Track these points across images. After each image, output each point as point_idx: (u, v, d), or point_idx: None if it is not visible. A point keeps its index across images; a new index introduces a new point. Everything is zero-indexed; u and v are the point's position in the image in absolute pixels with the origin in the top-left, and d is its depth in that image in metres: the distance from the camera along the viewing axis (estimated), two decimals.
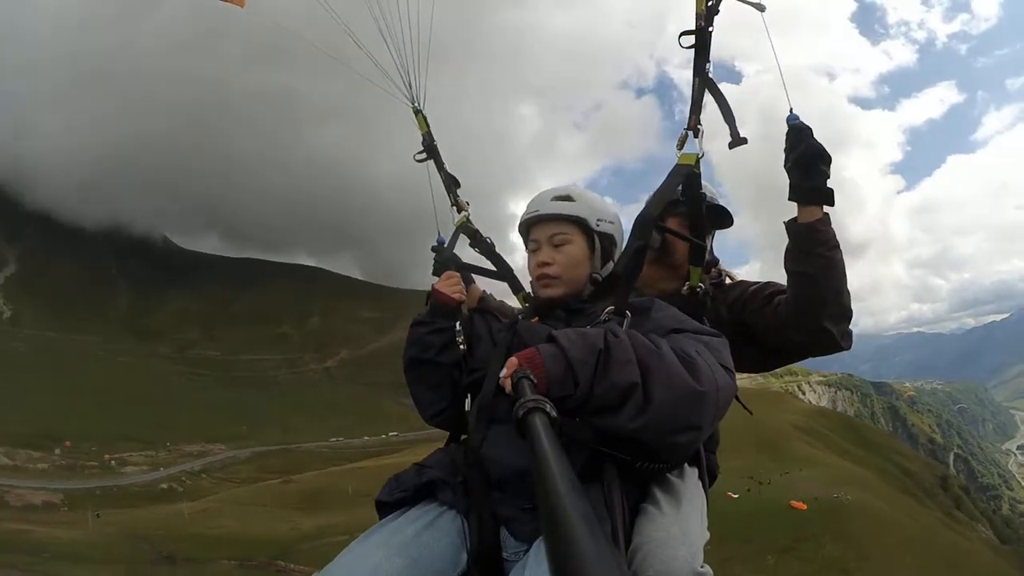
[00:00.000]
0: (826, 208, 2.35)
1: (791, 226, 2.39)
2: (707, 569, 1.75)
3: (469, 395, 2.25)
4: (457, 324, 2.38)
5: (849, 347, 2.48)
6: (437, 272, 2.89)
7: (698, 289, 2.54)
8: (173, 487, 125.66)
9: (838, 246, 2.34)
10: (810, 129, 2.28)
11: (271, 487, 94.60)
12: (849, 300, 2.40)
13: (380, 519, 1.98)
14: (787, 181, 2.35)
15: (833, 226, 2.37)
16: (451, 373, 2.34)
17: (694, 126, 2.39)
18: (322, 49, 3.19)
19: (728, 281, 2.83)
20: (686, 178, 2.37)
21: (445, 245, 3.02)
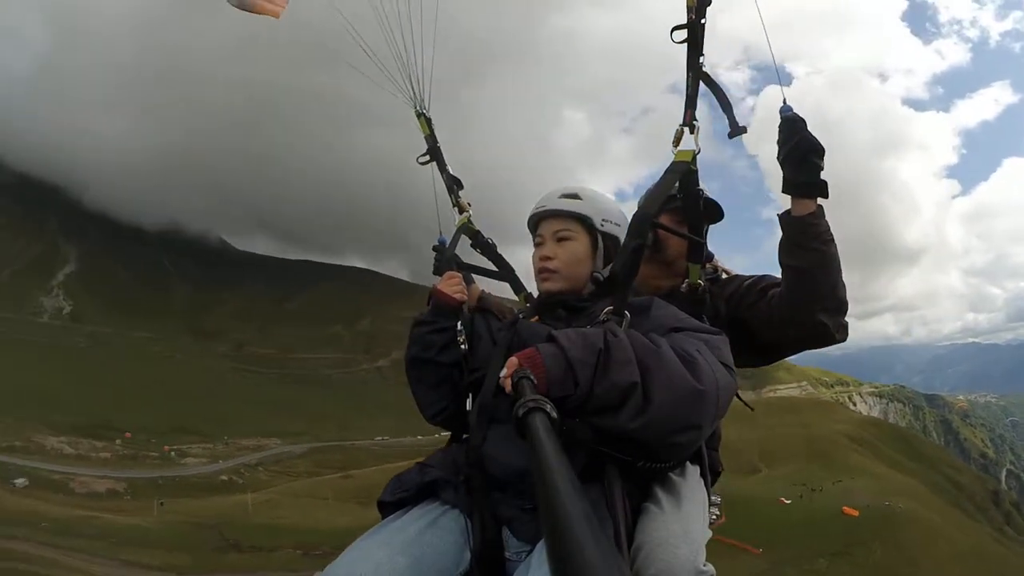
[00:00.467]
0: (820, 201, 2.31)
1: (784, 219, 2.38)
2: (709, 567, 1.75)
3: (470, 395, 2.24)
4: (458, 324, 2.37)
5: (844, 339, 2.48)
6: (438, 272, 2.88)
7: (697, 286, 2.52)
8: (233, 479, 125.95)
9: (832, 240, 2.31)
10: (803, 121, 2.24)
11: (331, 481, 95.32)
12: (844, 293, 2.40)
13: (383, 519, 1.98)
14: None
15: (827, 219, 2.33)
16: (451, 373, 2.33)
17: (689, 121, 2.34)
18: (333, 50, 3.24)
19: (723, 276, 2.81)
20: (683, 175, 2.33)
21: (446, 246, 3.01)
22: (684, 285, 2.56)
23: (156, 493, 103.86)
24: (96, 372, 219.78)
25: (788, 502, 62.87)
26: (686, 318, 2.06)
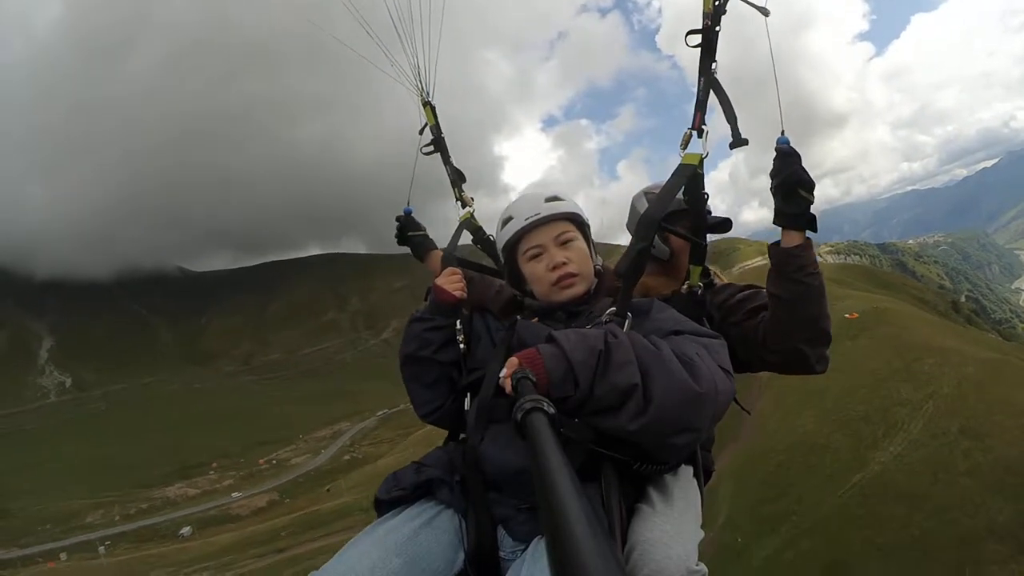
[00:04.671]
0: (809, 234, 2.35)
1: (771, 249, 2.39)
2: (701, 567, 1.76)
3: (468, 394, 2.25)
4: (457, 323, 2.36)
5: (823, 371, 2.48)
6: (401, 240, 3.19)
7: (696, 289, 2.57)
8: (354, 456, 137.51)
9: (817, 272, 2.32)
10: (797, 156, 2.26)
11: (427, 434, 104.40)
12: (828, 324, 2.40)
13: (378, 516, 1.98)
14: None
15: (814, 252, 2.37)
16: (448, 372, 2.34)
17: (698, 126, 2.38)
18: (339, 40, 3.16)
19: (717, 281, 2.82)
20: (689, 179, 2.36)
21: (411, 215, 3.18)
22: (684, 287, 2.60)
23: (307, 489, 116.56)
24: (134, 426, 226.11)
25: None
26: (686, 321, 2.06)
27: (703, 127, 2.36)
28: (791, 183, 2.23)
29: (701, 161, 2.35)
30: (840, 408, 45.04)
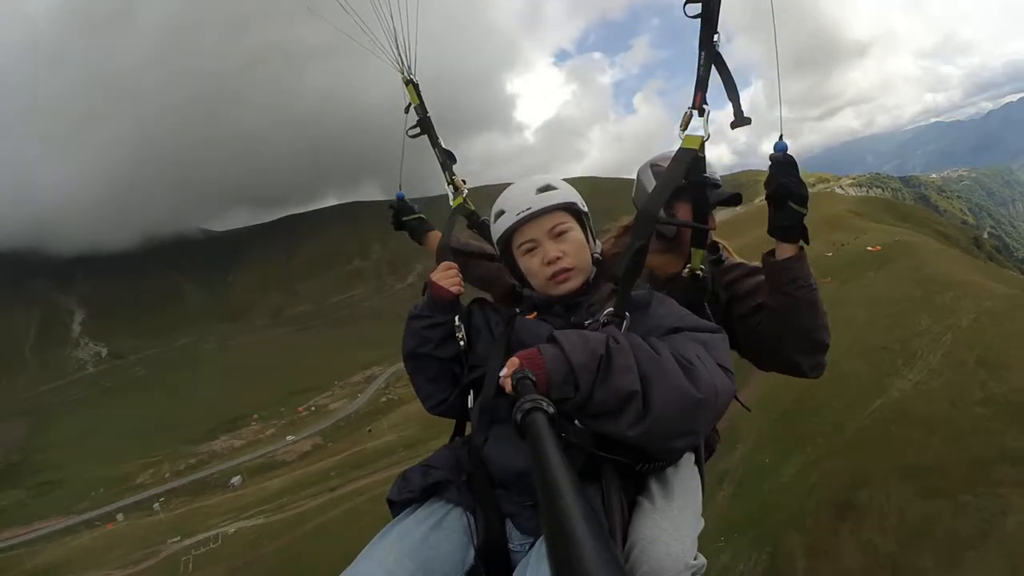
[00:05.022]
0: (803, 245, 2.30)
1: (765, 259, 2.40)
2: (700, 560, 1.79)
3: (471, 393, 2.25)
4: (456, 319, 2.31)
5: (818, 377, 2.53)
6: (397, 226, 3.19)
7: (699, 272, 2.46)
8: (391, 399, 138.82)
9: (808, 285, 2.30)
10: (792, 164, 2.21)
11: None
12: (822, 334, 2.40)
13: (393, 515, 2.03)
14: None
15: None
16: (450, 367, 2.31)
17: (699, 105, 2.23)
18: (314, 11, 3.04)
19: (726, 257, 2.80)
20: (691, 164, 2.26)
21: (404, 201, 3.17)
22: (686, 270, 2.48)
23: (349, 432, 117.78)
24: (173, 387, 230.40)
25: (829, 254, 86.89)
26: (686, 315, 2.04)
27: (704, 106, 2.22)
28: (781, 195, 2.20)
29: (703, 144, 2.23)
30: (863, 338, 46.67)
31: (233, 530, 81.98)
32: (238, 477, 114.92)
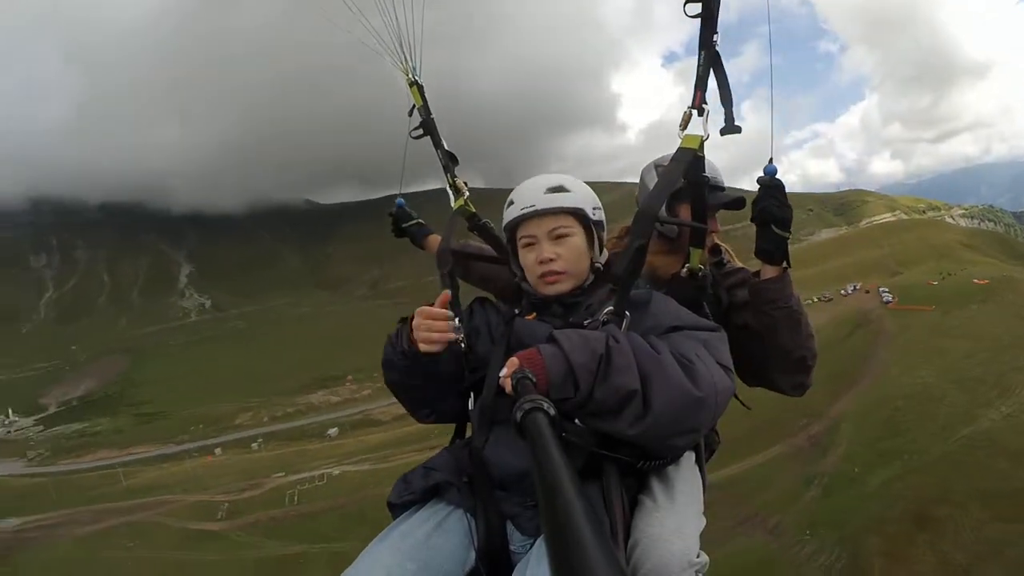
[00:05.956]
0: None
1: (749, 280, 2.42)
2: (702, 558, 1.78)
3: (472, 394, 2.20)
4: (456, 320, 2.17)
5: (800, 395, 2.56)
6: (397, 233, 3.15)
7: (698, 271, 2.43)
8: None
9: (787, 306, 2.30)
10: (778, 188, 2.22)
11: None
12: (803, 354, 2.40)
13: (393, 518, 2.02)
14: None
15: (794, 287, 2.35)
16: (437, 390, 2.22)
17: (699, 104, 2.20)
18: (318, 11, 2.91)
19: (728, 260, 2.77)
20: (689, 164, 2.21)
21: (404, 208, 3.12)
22: (684, 270, 2.49)
23: None
24: (270, 343, 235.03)
25: (935, 283, 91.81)
26: (686, 314, 2.06)
27: (704, 106, 2.20)
28: (764, 218, 2.23)
29: (702, 144, 2.22)
30: (959, 367, 50.24)
31: (338, 472, 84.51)
32: (335, 429, 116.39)
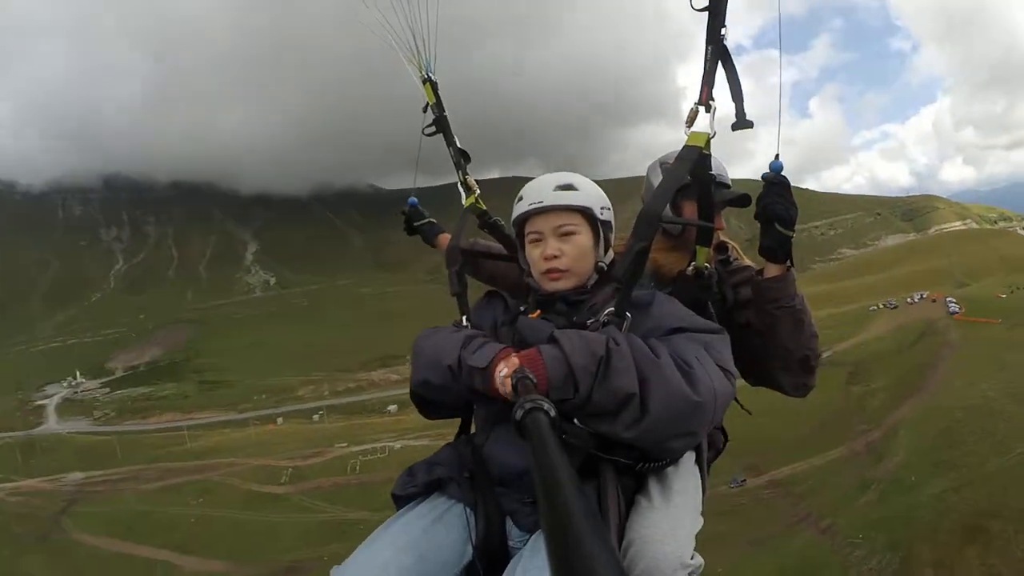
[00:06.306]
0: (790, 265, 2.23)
1: (752, 279, 2.41)
2: (697, 560, 1.79)
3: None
4: (464, 320, 2.31)
5: (801, 396, 2.53)
6: (409, 231, 3.15)
7: (704, 270, 2.36)
8: None
9: (791, 306, 2.28)
10: (783, 185, 2.18)
11: None
12: (808, 354, 2.38)
13: (397, 508, 2.05)
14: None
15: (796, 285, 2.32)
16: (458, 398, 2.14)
17: (706, 100, 2.14)
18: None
19: (734, 258, 2.69)
20: (695, 162, 2.16)
21: (417, 208, 3.12)
22: (690, 268, 2.37)
23: None
24: (333, 320, 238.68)
25: (1003, 296, 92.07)
26: (688, 315, 2.05)
27: (711, 102, 2.15)
28: (767, 216, 2.19)
29: (708, 141, 2.16)
30: (1022, 383, 49.52)
31: (399, 446, 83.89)
32: (394, 406, 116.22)
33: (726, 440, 2.62)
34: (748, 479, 58.20)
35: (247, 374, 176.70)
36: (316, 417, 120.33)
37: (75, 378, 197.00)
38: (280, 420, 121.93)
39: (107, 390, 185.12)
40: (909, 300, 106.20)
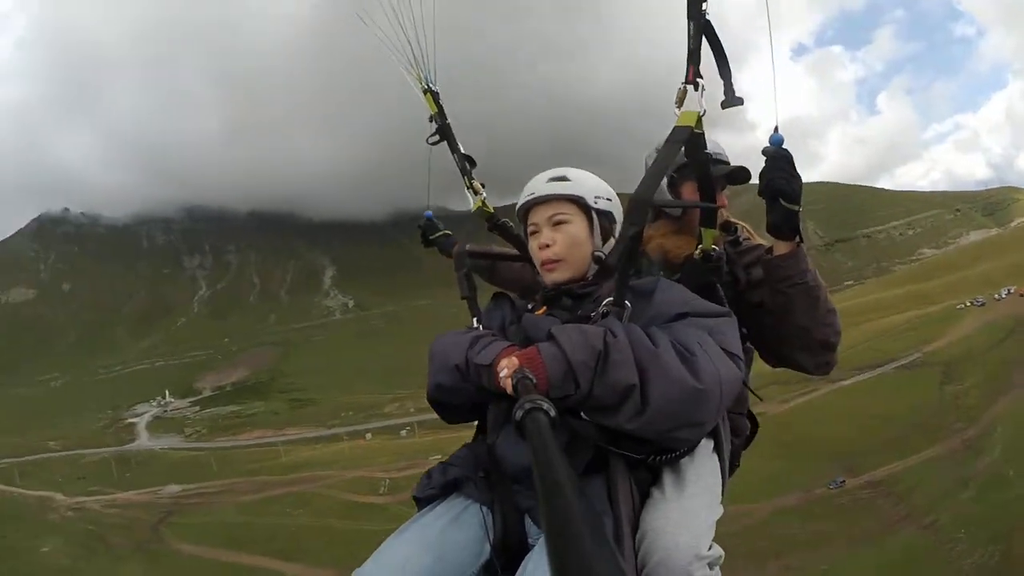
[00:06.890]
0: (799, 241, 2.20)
1: (762, 257, 2.35)
2: (715, 551, 1.78)
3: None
4: (475, 320, 2.32)
5: (825, 374, 2.50)
6: (426, 244, 3.18)
7: (712, 252, 2.27)
8: None
9: (803, 282, 2.22)
10: (785, 158, 2.12)
11: None
12: (825, 333, 2.32)
13: (418, 510, 2.04)
14: None
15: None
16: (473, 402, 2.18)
17: (693, 79, 2.09)
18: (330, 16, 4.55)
19: (744, 238, 2.61)
20: (687, 142, 2.10)
21: (433, 221, 3.16)
22: (697, 251, 2.29)
23: None
24: (412, 340, 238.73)
25: None
26: (693, 300, 2.00)
27: (698, 80, 2.10)
28: (771, 191, 2.14)
29: (699, 119, 2.09)
30: None
31: None
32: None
33: (755, 427, 2.57)
34: (847, 480, 58.22)
35: (332, 392, 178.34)
36: (404, 432, 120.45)
37: (164, 397, 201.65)
38: (369, 435, 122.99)
39: (196, 408, 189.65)
40: (996, 296, 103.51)
